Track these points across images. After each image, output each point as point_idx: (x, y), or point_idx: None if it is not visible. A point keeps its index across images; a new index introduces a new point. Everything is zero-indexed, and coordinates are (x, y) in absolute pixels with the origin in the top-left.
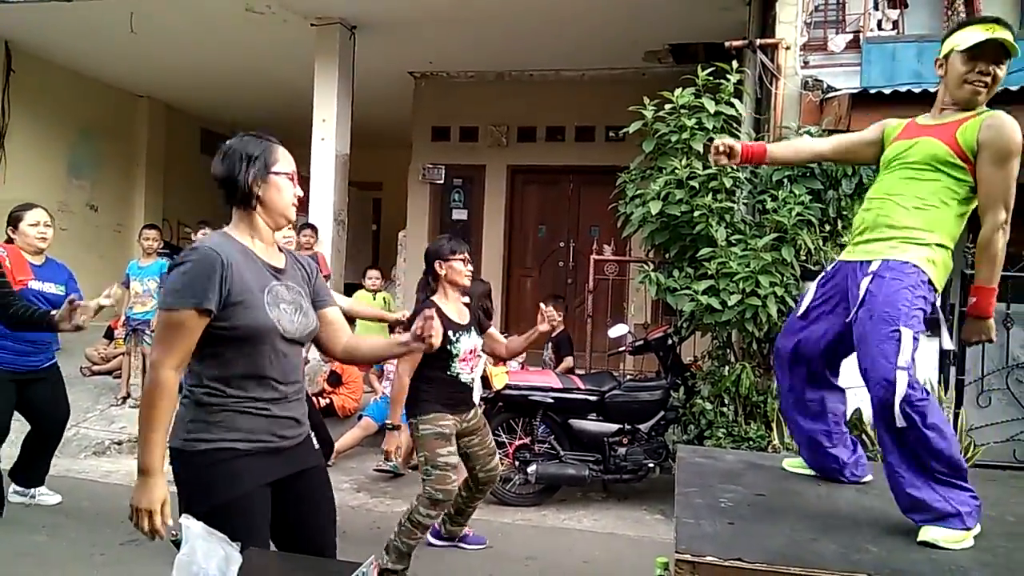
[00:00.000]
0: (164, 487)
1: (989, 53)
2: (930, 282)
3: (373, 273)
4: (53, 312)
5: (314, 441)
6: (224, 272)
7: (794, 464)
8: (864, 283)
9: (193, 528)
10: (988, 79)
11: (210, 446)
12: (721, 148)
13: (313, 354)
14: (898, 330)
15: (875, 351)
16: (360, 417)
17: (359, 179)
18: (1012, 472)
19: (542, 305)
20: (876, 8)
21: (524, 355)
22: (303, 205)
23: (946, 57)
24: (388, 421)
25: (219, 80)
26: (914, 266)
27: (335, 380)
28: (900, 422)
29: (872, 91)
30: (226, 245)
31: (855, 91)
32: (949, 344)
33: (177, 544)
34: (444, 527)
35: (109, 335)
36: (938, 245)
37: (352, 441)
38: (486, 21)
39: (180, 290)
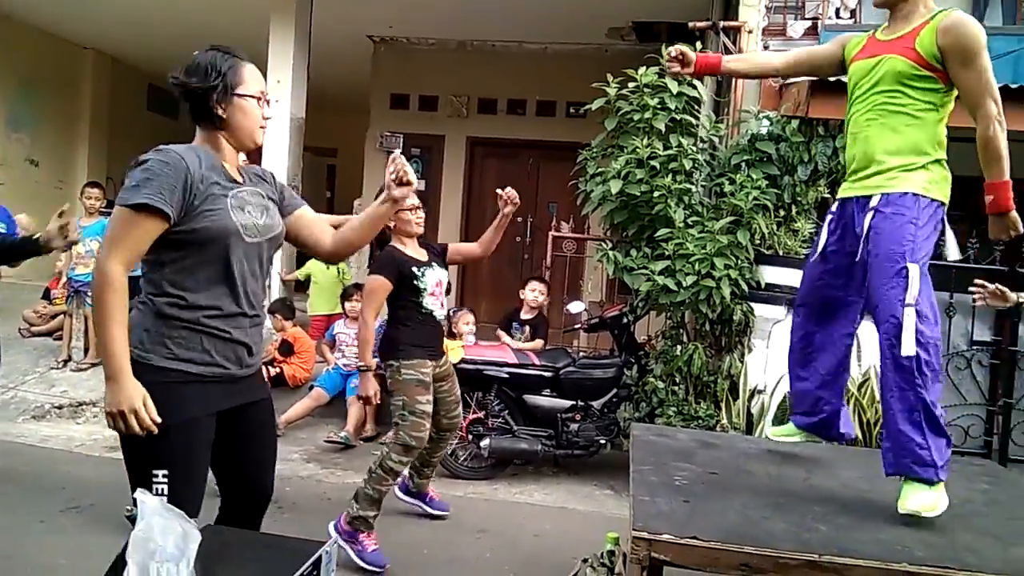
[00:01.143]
0: (136, 383)
1: None
2: (933, 202)
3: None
4: (37, 234)
5: (264, 374)
6: (188, 176)
7: (780, 432)
8: (867, 220)
9: (149, 503)
10: None
11: (163, 364)
12: (674, 53)
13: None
14: (904, 267)
15: (883, 289)
16: (311, 387)
17: (314, 144)
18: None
19: (498, 190)
20: None
21: (473, 329)
22: (254, 159)
23: None
24: (361, 363)
25: (169, 34)
26: (913, 195)
27: (286, 349)
28: (907, 350)
29: (831, 79)
30: (191, 153)
31: (814, 79)
32: (956, 254)
33: (132, 520)
34: (412, 480)
35: (47, 295)
36: (932, 162)
37: (303, 411)
38: None
39: (137, 188)
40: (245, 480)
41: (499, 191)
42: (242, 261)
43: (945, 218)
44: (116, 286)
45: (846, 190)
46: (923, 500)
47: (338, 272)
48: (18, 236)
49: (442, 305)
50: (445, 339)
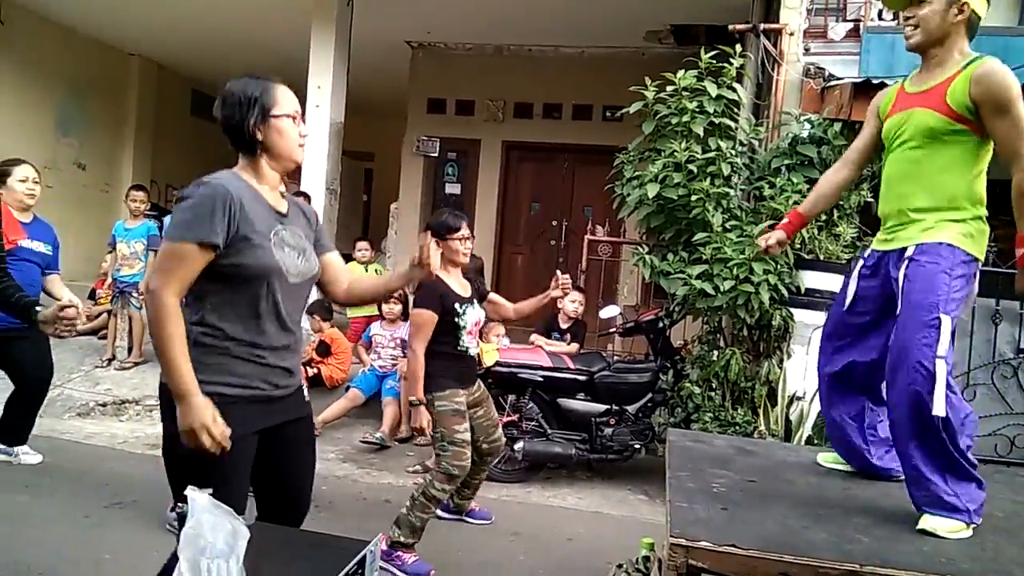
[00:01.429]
0: (206, 401)
1: (895, 2)
2: (968, 255)
3: (362, 245)
4: (39, 307)
5: (305, 392)
6: (232, 208)
7: (829, 460)
8: (901, 270)
9: (199, 501)
10: (911, 21)
11: (202, 389)
12: (773, 243)
13: (303, 324)
14: (937, 317)
15: (912, 337)
16: (348, 388)
17: (351, 148)
18: (996, 467)
19: (558, 272)
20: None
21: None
22: (294, 172)
23: None
24: (412, 398)
25: (212, 41)
26: (949, 246)
27: (323, 350)
28: (940, 411)
29: (875, 81)
30: (234, 182)
31: (857, 80)
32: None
33: (182, 517)
34: (452, 500)
35: (92, 295)
36: (972, 218)
37: (339, 412)
38: None
39: (186, 222)
40: (282, 497)
41: (559, 274)
42: (283, 297)
43: (978, 274)
44: (172, 314)
45: (880, 242)
46: (948, 525)
47: (376, 274)
48: (25, 298)
49: (477, 344)
50: (480, 344)
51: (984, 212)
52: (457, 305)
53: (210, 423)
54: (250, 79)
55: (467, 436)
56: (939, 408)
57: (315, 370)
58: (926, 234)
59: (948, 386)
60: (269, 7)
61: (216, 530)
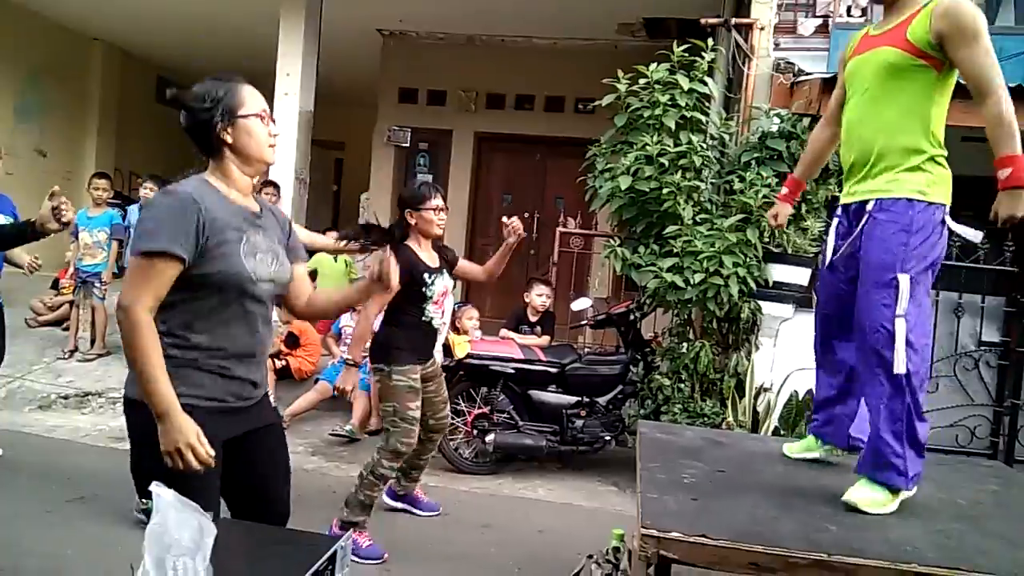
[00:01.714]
0: (188, 419)
1: None
2: (931, 206)
3: (332, 235)
4: (31, 219)
5: (271, 399)
6: (200, 217)
7: (797, 449)
8: (860, 226)
9: (164, 496)
10: None
11: None
12: (782, 220)
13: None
14: (895, 277)
15: (871, 298)
16: (316, 380)
17: (321, 137)
18: (958, 457)
19: (504, 218)
20: None
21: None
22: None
23: None
24: (348, 357)
25: (179, 26)
26: (907, 201)
27: (292, 342)
28: (900, 368)
29: None
30: (202, 189)
31: (826, 76)
32: (976, 236)
33: (147, 513)
34: (399, 484)
35: (55, 285)
36: (929, 160)
37: (307, 404)
38: None
39: (153, 233)
40: (257, 507)
41: (505, 220)
42: (253, 305)
43: (947, 217)
44: (146, 329)
45: (845, 195)
46: (872, 496)
47: (345, 265)
48: (13, 226)
49: (443, 314)
50: (451, 334)
51: (943, 153)
52: (426, 275)
53: (195, 442)
54: (213, 81)
55: (418, 414)
56: (900, 366)
57: (283, 362)
58: (886, 187)
59: (908, 343)
60: None
61: (182, 527)
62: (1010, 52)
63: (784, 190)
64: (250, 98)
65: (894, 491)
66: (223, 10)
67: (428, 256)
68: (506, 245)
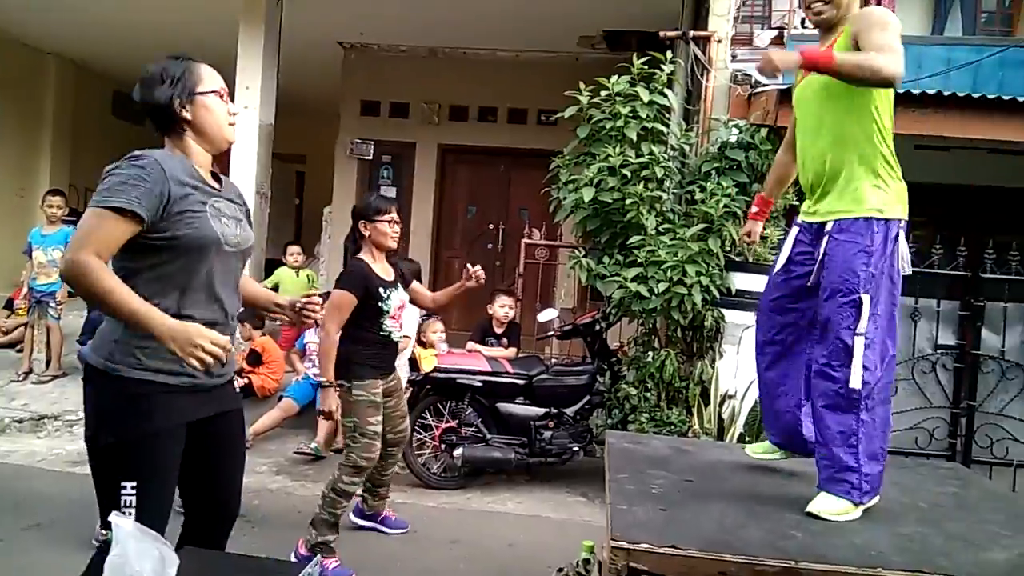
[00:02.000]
0: (182, 324)
1: None
2: (889, 222)
3: (294, 249)
4: None
5: (236, 383)
6: (165, 183)
7: (758, 450)
8: (822, 246)
9: (124, 527)
10: (820, 2)
11: (131, 375)
12: (756, 237)
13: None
14: (857, 297)
15: (834, 315)
16: (280, 398)
17: (282, 151)
18: (918, 459)
19: (468, 266)
20: (801, 5)
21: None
22: (222, 156)
23: None
24: (323, 379)
25: (136, 40)
26: (865, 220)
27: (255, 359)
28: (856, 384)
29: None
30: (167, 157)
31: (783, 87)
32: (907, 269)
33: (106, 545)
34: (366, 503)
35: (9, 306)
36: (882, 175)
37: (271, 423)
38: None
39: (109, 191)
40: (212, 493)
41: (469, 268)
42: (219, 270)
43: (902, 232)
44: (96, 266)
45: (805, 213)
46: (834, 506)
47: (308, 280)
48: None
49: (400, 327)
50: (417, 348)
51: (896, 167)
52: (381, 289)
53: (203, 336)
54: (170, 59)
55: (379, 428)
56: (855, 382)
57: (246, 380)
58: (844, 208)
59: (865, 361)
60: (196, 5)
61: (143, 557)
62: (959, 62)
63: (754, 208)
64: (208, 76)
65: (854, 504)
66: (182, 24)
67: (383, 270)
68: (461, 285)
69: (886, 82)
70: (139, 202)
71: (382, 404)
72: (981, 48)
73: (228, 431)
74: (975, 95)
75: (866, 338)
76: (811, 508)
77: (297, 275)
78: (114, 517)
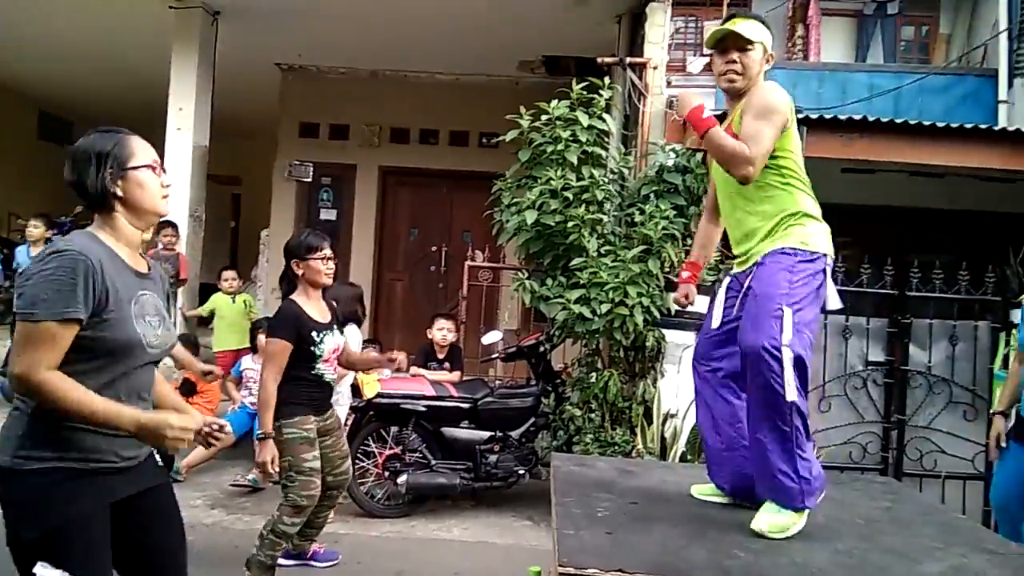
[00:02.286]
0: (153, 413)
1: (731, 44)
2: (813, 254)
3: (228, 274)
4: None
5: (157, 459)
6: (95, 277)
7: (704, 492)
8: (750, 278)
9: None
10: (736, 66)
11: (44, 465)
12: (691, 299)
13: (165, 360)
14: (780, 308)
15: (757, 327)
16: None
17: (217, 173)
18: (852, 475)
19: (393, 353)
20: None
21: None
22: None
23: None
24: (260, 431)
25: (64, 60)
26: (791, 249)
27: (188, 389)
28: (792, 396)
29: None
30: (93, 247)
31: (717, 112)
32: (836, 303)
33: None
34: (292, 541)
35: None
36: (802, 216)
37: (206, 454)
38: (358, 17)
39: (46, 299)
40: (154, 574)
41: (393, 355)
42: (137, 369)
43: (828, 269)
44: (57, 381)
45: (738, 265)
46: (777, 521)
47: (245, 305)
48: None
49: (334, 370)
50: (360, 374)
51: (812, 207)
52: (314, 333)
53: (174, 423)
54: (100, 133)
55: (316, 465)
56: (791, 394)
57: None
58: (767, 245)
59: (798, 374)
60: (125, 24)
61: None
62: (881, 88)
63: (685, 274)
64: (140, 149)
65: (798, 511)
66: (110, 43)
67: (318, 311)
68: (380, 362)
69: (734, 177)
70: (78, 305)
71: (317, 440)
72: (902, 75)
73: (156, 505)
74: (898, 120)
75: (792, 350)
76: (754, 525)
77: (233, 300)
78: (40, 569)
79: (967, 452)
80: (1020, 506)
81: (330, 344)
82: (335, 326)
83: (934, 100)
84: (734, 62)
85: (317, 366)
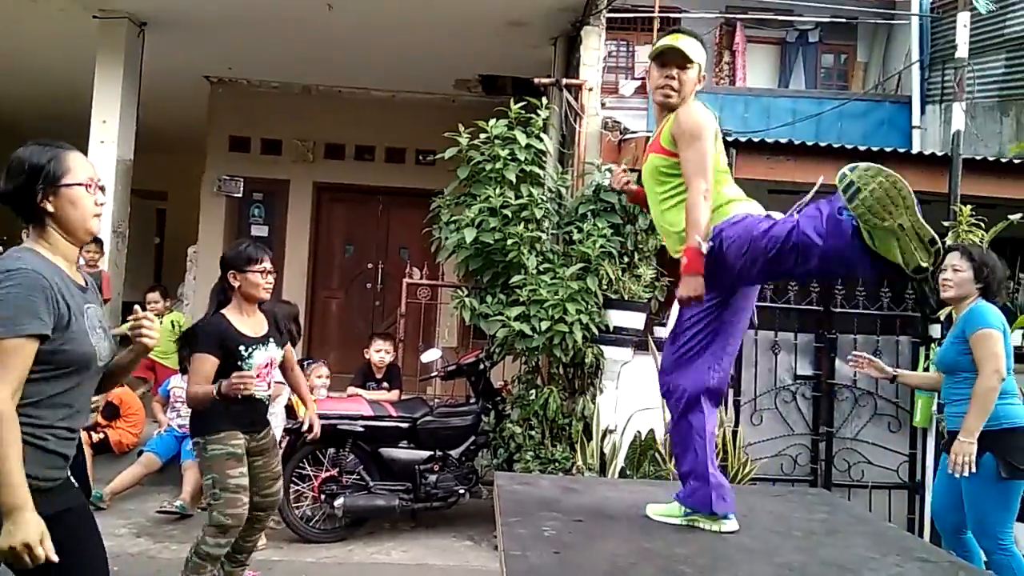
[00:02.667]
0: (36, 517)
1: (671, 59)
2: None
3: (152, 296)
4: None
5: (71, 480)
6: (52, 292)
7: (659, 512)
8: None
9: None
10: (674, 82)
11: None
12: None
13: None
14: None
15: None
16: (140, 452)
17: (141, 187)
18: (785, 484)
19: (314, 423)
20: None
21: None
22: None
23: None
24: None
25: None
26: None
27: (111, 412)
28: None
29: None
30: (40, 262)
31: (650, 134)
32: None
33: None
34: (221, 569)
35: None
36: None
37: (131, 479)
38: (289, 31)
39: (11, 317)
40: None
41: (313, 425)
42: (90, 382)
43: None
44: (9, 418)
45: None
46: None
47: (172, 325)
48: None
49: (269, 385)
50: (294, 396)
51: (732, 199)
52: (242, 348)
53: (34, 541)
54: (38, 146)
55: (243, 482)
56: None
57: (101, 435)
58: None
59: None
60: (47, 34)
61: None
62: (804, 113)
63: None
64: (76, 166)
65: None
66: (32, 52)
67: (250, 325)
68: (312, 402)
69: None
70: (43, 320)
71: (244, 457)
72: (823, 101)
73: (76, 528)
74: (822, 143)
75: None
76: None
77: (160, 321)
78: None
79: (892, 462)
80: (958, 515)
81: (260, 358)
82: (271, 339)
83: (853, 125)
84: (672, 78)
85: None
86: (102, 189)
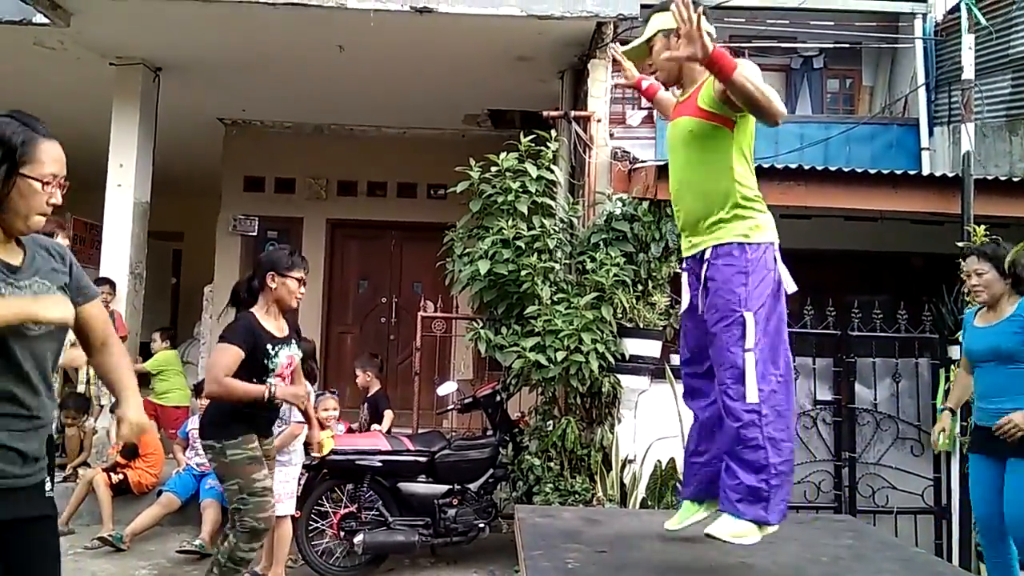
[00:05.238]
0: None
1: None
2: (761, 245)
3: (156, 335)
4: None
5: (47, 487)
6: None
7: (677, 521)
8: (703, 273)
9: None
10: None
11: None
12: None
13: (102, 423)
14: (741, 315)
15: (721, 337)
16: (160, 492)
17: (158, 229)
18: (810, 512)
19: (320, 444)
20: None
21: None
22: (95, 258)
23: (651, 39)
24: (269, 391)
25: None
26: (739, 245)
27: (130, 452)
28: (753, 398)
29: None
30: None
31: (660, 163)
32: (792, 287)
33: None
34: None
35: None
36: (746, 207)
37: (150, 520)
38: (301, 73)
39: None
40: None
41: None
42: (26, 356)
43: (778, 255)
44: None
45: (685, 249)
46: (737, 528)
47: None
48: None
49: (290, 384)
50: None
51: (758, 199)
52: (269, 345)
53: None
54: (13, 120)
55: (268, 484)
56: (752, 395)
57: (121, 475)
58: (715, 236)
59: (761, 376)
60: (65, 81)
61: None
62: (812, 138)
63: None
64: (45, 158)
65: (759, 524)
66: (50, 99)
67: (275, 325)
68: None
69: (773, 117)
70: None
71: (263, 460)
72: (830, 125)
73: (36, 539)
74: (832, 168)
75: (756, 353)
76: (710, 531)
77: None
78: None
79: (917, 487)
80: (1002, 518)
81: (284, 358)
82: (293, 340)
83: (861, 148)
84: (669, 48)
85: (268, 381)
86: (63, 188)
